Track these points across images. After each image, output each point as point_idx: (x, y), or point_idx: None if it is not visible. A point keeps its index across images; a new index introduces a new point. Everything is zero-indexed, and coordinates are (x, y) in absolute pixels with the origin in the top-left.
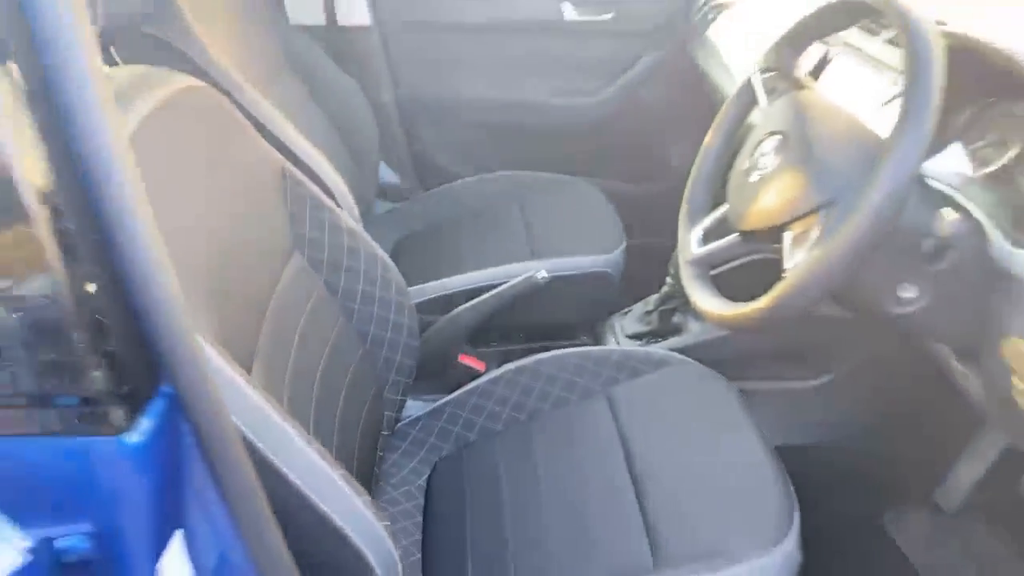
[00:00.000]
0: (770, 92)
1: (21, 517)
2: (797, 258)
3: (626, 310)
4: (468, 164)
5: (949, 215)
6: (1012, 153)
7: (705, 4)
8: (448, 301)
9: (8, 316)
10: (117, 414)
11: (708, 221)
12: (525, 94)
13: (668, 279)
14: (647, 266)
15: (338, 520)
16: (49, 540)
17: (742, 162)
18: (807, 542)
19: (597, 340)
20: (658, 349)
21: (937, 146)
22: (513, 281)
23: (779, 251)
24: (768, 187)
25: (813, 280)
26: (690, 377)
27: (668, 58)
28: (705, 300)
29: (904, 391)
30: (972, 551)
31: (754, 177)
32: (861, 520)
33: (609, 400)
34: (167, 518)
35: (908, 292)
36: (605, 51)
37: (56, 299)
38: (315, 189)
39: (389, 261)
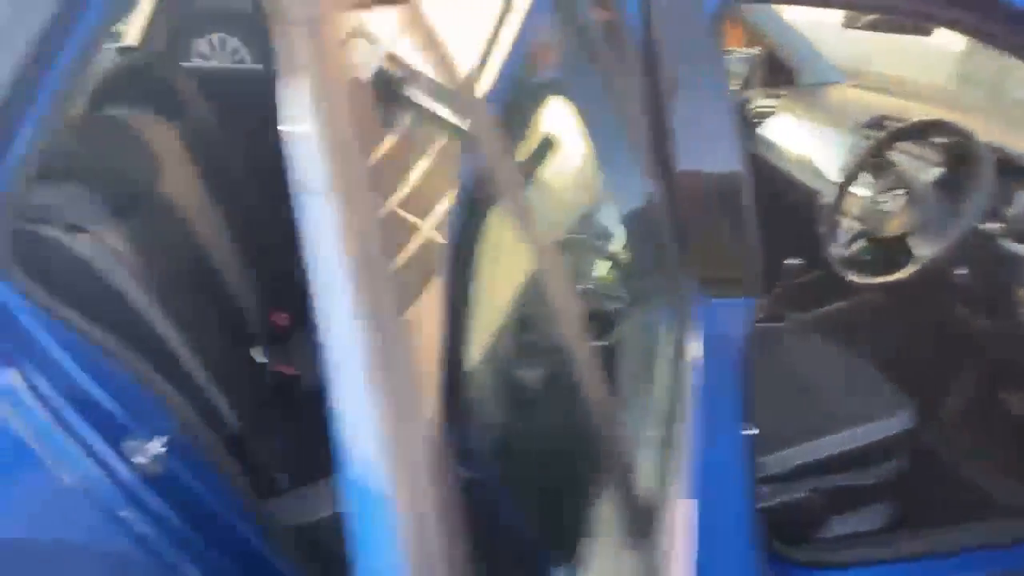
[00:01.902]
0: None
1: None
2: (918, 250)
3: None
4: None
5: None
6: None
7: (749, 112)
8: None
9: None
10: None
11: (843, 237)
12: None
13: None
14: None
15: None
16: None
17: (869, 202)
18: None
19: None
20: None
21: None
22: None
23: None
24: (899, 216)
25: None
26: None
27: None
28: (856, 277)
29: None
30: None
31: (887, 208)
32: None
33: None
34: None
35: None
36: None
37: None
38: None
39: None
